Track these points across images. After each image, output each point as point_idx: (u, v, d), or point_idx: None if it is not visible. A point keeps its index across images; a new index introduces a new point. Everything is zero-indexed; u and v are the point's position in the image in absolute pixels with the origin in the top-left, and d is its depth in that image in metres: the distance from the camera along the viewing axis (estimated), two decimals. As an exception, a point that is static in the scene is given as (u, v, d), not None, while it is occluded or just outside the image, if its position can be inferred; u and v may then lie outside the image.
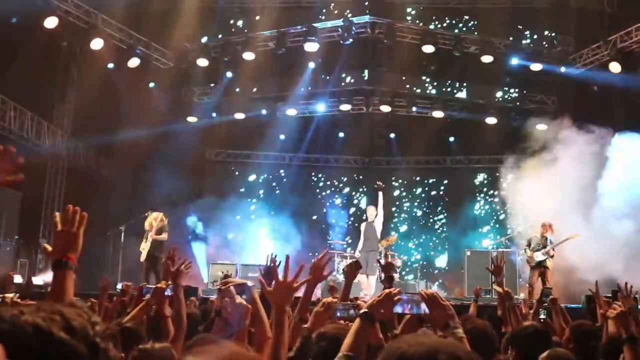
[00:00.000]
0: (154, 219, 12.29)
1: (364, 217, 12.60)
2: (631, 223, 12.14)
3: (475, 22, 16.40)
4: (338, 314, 3.11)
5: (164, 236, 12.04)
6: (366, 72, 17.26)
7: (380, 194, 11.77)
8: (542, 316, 5.87)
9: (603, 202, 12.48)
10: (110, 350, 1.20)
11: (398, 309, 2.45)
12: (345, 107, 16.91)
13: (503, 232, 13.60)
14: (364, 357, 2.18)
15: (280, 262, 3.20)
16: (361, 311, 2.34)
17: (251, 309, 3.19)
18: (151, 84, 15.52)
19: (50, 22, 12.80)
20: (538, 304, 6.13)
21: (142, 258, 12.16)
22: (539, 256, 11.49)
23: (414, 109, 16.71)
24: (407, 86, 17.12)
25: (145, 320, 4.49)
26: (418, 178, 18.16)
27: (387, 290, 2.45)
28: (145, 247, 12.13)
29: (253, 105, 16.99)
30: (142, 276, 11.75)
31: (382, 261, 11.91)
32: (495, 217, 17.03)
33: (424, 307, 2.50)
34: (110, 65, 14.38)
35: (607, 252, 11.73)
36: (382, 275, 12.69)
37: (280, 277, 2.75)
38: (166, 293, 4.49)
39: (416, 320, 3.16)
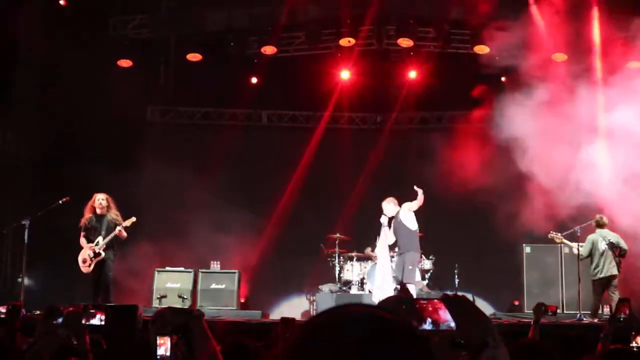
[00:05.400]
0: (104, 203, 12.58)
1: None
2: None
3: None
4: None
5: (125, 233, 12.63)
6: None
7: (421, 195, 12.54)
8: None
9: None
10: None
11: None
12: (346, 41, 16.69)
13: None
14: None
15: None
16: None
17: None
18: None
19: None
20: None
21: (88, 266, 12.33)
22: None
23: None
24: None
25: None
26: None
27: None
28: (95, 249, 12.39)
29: (213, 41, 16.79)
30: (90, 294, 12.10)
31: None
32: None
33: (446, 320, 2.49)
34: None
35: None
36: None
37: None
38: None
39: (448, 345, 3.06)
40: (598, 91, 14.35)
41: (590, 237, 13.04)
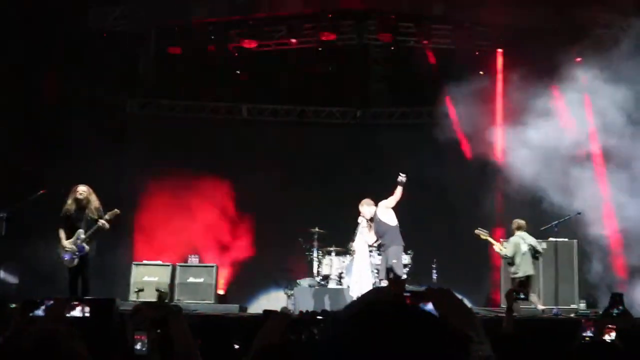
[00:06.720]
0: (85, 195, 12.10)
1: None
2: None
3: None
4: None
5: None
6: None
7: (400, 189, 12.60)
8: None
9: None
10: None
11: None
12: (328, 36, 16.70)
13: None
14: None
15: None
16: None
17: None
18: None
19: None
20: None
21: (72, 260, 11.99)
22: None
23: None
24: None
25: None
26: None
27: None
28: (78, 242, 11.97)
29: (194, 34, 16.76)
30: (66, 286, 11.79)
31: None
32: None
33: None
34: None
35: None
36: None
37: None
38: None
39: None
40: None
41: (512, 239, 13.74)
